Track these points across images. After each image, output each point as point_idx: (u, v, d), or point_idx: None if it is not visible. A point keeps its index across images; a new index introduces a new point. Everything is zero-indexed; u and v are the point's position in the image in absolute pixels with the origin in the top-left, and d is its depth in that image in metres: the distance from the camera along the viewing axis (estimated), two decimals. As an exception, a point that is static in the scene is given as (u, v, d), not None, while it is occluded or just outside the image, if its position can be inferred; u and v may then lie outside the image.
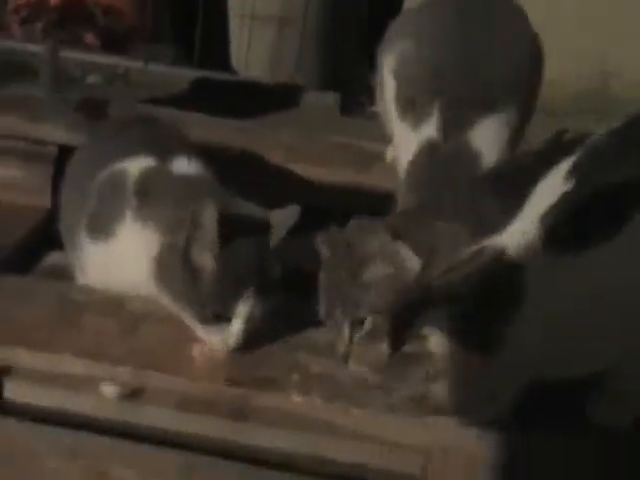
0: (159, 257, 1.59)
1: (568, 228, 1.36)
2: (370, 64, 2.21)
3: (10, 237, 2.04)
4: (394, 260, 1.53)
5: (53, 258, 2.03)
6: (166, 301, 1.59)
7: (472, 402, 1.42)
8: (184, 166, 1.72)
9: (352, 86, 3.33)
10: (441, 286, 1.34)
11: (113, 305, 1.67)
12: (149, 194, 1.66)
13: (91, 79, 2.81)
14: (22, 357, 1.58)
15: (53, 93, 2.16)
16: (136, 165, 1.71)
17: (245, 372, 1.54)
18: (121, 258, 1.66)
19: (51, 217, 2.00)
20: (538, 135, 1.85)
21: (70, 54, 2.71)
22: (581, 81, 3.36)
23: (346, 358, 1.54)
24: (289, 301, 1.57)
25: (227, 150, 2.17)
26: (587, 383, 1.46)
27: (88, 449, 1.53)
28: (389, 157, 2.17)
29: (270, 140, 2.29)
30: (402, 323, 1.31)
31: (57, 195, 1.95)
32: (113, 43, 3.34)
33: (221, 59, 3.49)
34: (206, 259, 1.52)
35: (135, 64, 2.95)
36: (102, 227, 1.69)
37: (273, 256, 1.57)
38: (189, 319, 1.56)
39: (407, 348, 1.33)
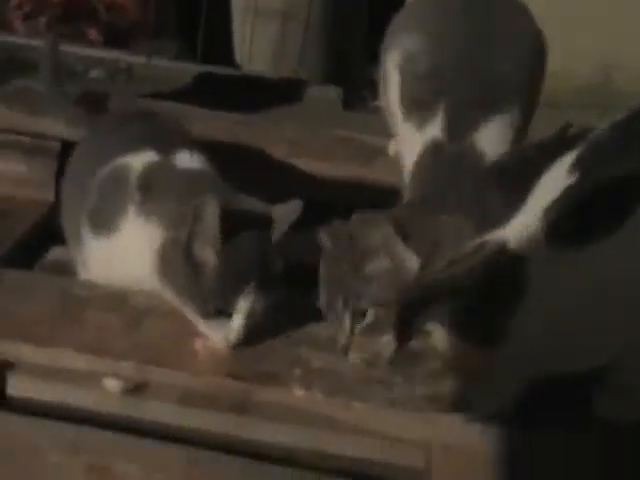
0: (162, 251, 1.59)
1: (571, 222, 1.36)
2: (373, 58, 2.21)
3: (12, 232, 2.04)
4: (395, 256, 1.53)
5: (56, 253, 2.03)
6: (168, 296, 1.59)
7: (475, 396, 1.42)
8: (187, 160, 1.72)
9: (355, 80, 3.33)
10: (444, 280, 1.34)
11: (116, 300, 1.67)
12: (152, 189, 1.66)
13: (94, 74, 2.81)
14: (24, 352, 1.57)
15: (53, 87, 2.15)
16: (139, 160, 1.71)
17: (247, 367, 1.54)
18: (124, 253, 1.66)
19: (54, 212, 1.99)
20: (541, 129, 1.85)
21: (73, 49, 2.72)
22: (584, 75, 3.35)
23: (346, 349, 1.54)
24: (291, 296, 1.57)
25: (230, 144, 2.17)
26: (590, 377, 1.46)
27: (90, 444, 1.53)
28: (392, 151, 2.17)
29: (273, 134, 2.29)
30: (407, 318, 1.31)
31: (59, 190, 1.95)
32: (116, 38, 3.34)
33: (224, 54, 3.49)
34: (208, 254, 1.52)
35: (138, 59, 2.95)
36: (104, 222, 1.68)
37: (275, 251, 1.57)
38: (191, 314, 1.56)
39: (412, 344, 1.34)
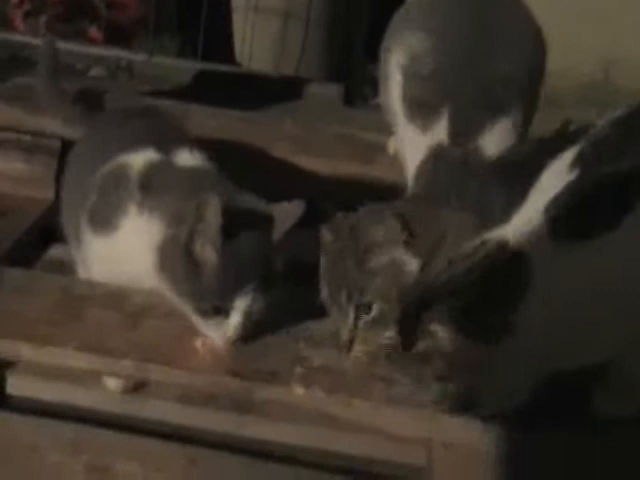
0: (162, 248, 1.58)
1: (572, 218, 1.36)
2: (374, 56, 2.20)
3: (12, 230, 2.04)
4: (396, 258, 1.53)
5: (56, 251, 2.03)
6: (167, 293, 1.59)
7: (479, 394, 1.42)
8: (187, 158, 1.72)
9: (356, 78, 3.33)
10: (447, 279, 1.34)
11: (116, 299, 1.67)
12: (154, 186, 1.65)
13: (94, 72, 2.81)
14: (24, 351, 1.57)
15: (50, 86, 2.15)
16: (140, 158, 1.70)
17: (247, 365, 1.54)
18: (124, 251, 1.66)
19: (54, 210, 1.99)
20: (541, 126, 1.85)
21: (73, 47, 2.72)
22: (583, 72, 3.35)
23: (350, 343, 1.54)
24: (291, 293, 1.57)
25: (230, 142, 2.17)
26: (591, 374, 1.46)
27: (90, 443, 1.54)
28: (391, 148, 2.16)
29: (274, 132, 2.29)
30: (410, 319, 1.31)
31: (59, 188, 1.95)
32: (117, 36, 3.34)
33: (225, 51, 3.49)
34: (208, 252, 1.52)
35: (139, 57, 2.95)
36: (105, 220, 1.68)
37: (275, 249, 1.57)
38: (189, 311, 1.55)
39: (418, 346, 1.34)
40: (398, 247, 1.52)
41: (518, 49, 1.91)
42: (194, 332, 1.57)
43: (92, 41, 3.28)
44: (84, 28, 3.34)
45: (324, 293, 1.59)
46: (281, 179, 2.18)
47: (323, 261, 1.61)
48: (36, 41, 2.64)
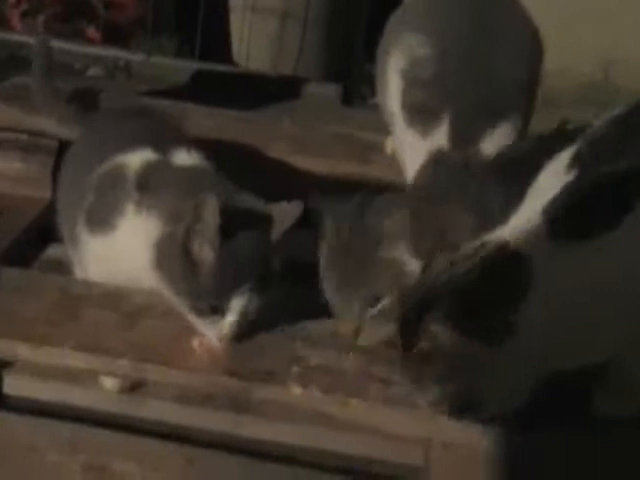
0: (159, 245, 1.58)
1: (571, 218, 1.36)
2: (372, 55, 2.20)
3: (10, 230, 2.04)
4: (396, 259, 1.53)
5: (54, 251, 2.03)
6: (164, 292, 1.59)
7: (480, 395, 1.41)
8: (184, 158, 1.71)
9: (354, 77, 3.33)
10: (447, 280, 1.34)
11: (113, 298, 1.66)
12: (151, 186, 1.65)
13: (92, 72, 2.81)
14: (22, 351, 1.57)
15: (44, 85, 2.15)
16: (137, 157, 1.70)
17: (244, 364, 1.54)
18: (121, 251, 1.66)
19: (51, 209, 1.99)
20: (540, 126, 1.85)
21: (71, 47, 2.72)
22: (583, 72, 3.35)
23: (355, 336, 1.53)
24: (289, 293, 1.57)
25: (228, 142, 2.17)
26: (591, 374, 1.46)
27: (88, 442, 1.53)
28: (388, 148, 2.16)
29: (272, 131, 2.29)
30: (412, 321, 1.31)
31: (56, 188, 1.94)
32: (114, 36, 3.34)
33: (223, 51, 3.49)
34: (206, 252, 1.52)
35: (137, 57, 2.95)
36: (102, 220, 1.68)
37: (273, 249, 1.56)
38: (186, 310, 1.55)
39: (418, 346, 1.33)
40: (401, 244, 1.52)
41: (517, 51, 1.90)
42: (191, 332, 1.57)
43: (90, 41, 3.28)
44: (82, 28, 3.34)
45: (329, 287, 1.59)
46: (279, 179, 2.17)
47: (325, 255, 1.61)
48: (33, 41, 2.65)
